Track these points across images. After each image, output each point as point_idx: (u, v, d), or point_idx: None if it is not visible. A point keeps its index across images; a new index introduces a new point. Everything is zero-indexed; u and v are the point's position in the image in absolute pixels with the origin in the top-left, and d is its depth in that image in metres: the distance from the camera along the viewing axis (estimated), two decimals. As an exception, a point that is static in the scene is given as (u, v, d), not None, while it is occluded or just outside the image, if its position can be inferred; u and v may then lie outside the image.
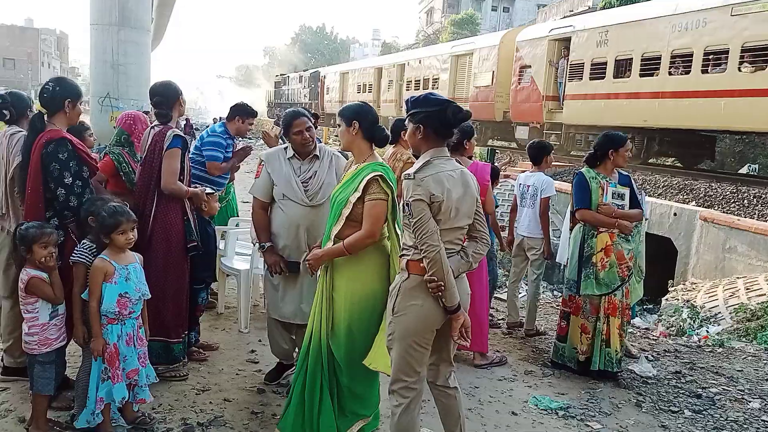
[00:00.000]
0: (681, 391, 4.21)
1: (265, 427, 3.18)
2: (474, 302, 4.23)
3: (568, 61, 15.88)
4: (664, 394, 4.15)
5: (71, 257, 2.97)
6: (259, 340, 4.32)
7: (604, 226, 4.25)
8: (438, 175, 2.50)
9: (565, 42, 16.18)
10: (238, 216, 5.51)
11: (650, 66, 13.58)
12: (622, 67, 14.43)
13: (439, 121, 2.56)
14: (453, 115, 2.54)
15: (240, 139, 5.15)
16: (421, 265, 2.49)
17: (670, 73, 13.11)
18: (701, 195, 11.35)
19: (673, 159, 16.01)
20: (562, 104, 16.08)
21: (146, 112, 5.59)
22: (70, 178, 3.17)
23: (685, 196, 11.51)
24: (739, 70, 11.62)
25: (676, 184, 12.32)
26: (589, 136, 15.40)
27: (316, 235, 3.34)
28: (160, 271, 3.55)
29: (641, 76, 13.78)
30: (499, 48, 19.05)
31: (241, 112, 4.89)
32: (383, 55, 40.03)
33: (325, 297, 2.97)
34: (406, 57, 27.36)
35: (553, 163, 5.46)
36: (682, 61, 12.82)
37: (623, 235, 4.26)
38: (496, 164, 9.66)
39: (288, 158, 3.50)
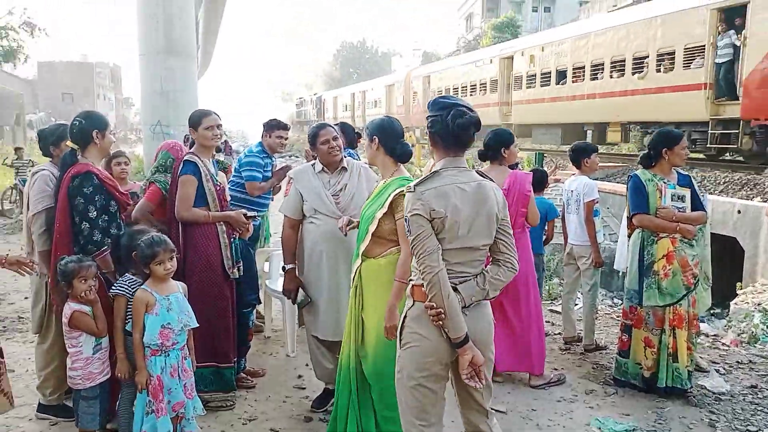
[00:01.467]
0: (759, 408, 3.87)
1: (312, 459, 3.08)
2: (522, 321, 4.05)
3: (430, 89, 27.37)
4: (740, 411, 3.82)
5: (111, 290, 2.95)
6: (306, 365, 4.23)
7: (665, 231, 3.97)
8: (443, 188, 2.20)
9: (428, 78, 28.19)
10: (269, 239, 5.47)
11: (468, 91, 24.05)
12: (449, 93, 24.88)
13: (440, 127, 2.26)
14: (452, 120, 2.21)
15: (277, 157, 5.15)
16: (424, 290, 2.20)
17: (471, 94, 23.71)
18: (766, 189, 10.75)
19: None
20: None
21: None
22: (95, 212, 3.18)
23: (748, 192, 10.91)
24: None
25: (738, 179, 11.72)
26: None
27: (346, 250, 3.31)
28: (200, 296, 3.52)
29: (469, 96, 23.60)
30: (404, 81, 31.06)
31: (266, 127, 4.91)
32: (424, 64, 41.15)
33: (353, 316, 2.97)
34: (366, 86, 39.17)
35: (598, 165, 5.20)
36: (472, 88, 23.92)
37: (686, 240, 3.98)
38: (543, 168, 9.38)
39: (317, 173, 3.50)
